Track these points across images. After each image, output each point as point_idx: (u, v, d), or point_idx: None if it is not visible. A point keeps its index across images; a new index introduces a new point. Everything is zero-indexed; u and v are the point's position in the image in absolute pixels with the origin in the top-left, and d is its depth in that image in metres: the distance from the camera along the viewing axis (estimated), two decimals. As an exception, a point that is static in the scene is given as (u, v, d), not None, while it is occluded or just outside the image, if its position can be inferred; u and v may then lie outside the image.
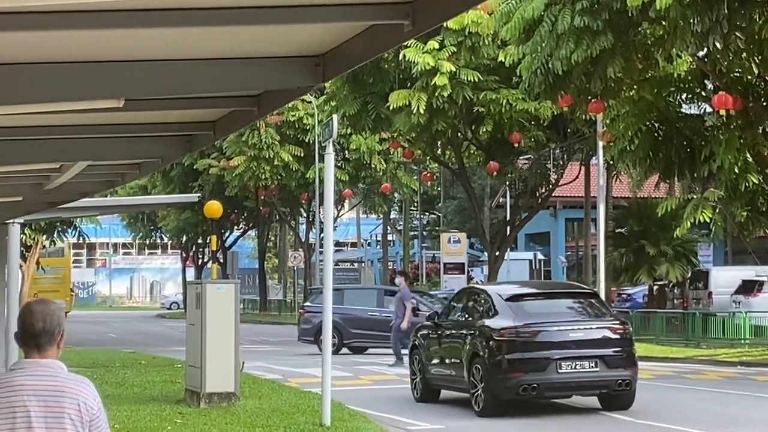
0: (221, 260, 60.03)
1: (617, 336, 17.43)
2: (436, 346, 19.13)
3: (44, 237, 39.58)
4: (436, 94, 32.83)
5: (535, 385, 16.80)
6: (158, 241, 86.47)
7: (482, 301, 18.38)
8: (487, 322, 17.60)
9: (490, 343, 17.12)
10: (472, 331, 17.84)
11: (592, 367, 16.95)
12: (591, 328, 17.39)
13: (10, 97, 6.33)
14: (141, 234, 79.29)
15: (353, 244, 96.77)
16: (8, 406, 4.44)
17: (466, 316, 18.77)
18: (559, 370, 16.85)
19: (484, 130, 36.32)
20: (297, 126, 51.15)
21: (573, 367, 16.90)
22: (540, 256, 59.68)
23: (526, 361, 16.85)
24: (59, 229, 39.77)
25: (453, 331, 18.62)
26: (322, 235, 41.55)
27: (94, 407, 4.50)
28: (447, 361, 18.65)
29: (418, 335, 20.02)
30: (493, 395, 17.04)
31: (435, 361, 19.07)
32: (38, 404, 4.43)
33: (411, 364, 20.07)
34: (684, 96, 28.09)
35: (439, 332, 19.10)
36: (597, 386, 17.30)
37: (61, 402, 4.44)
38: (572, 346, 17.07)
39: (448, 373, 18.62)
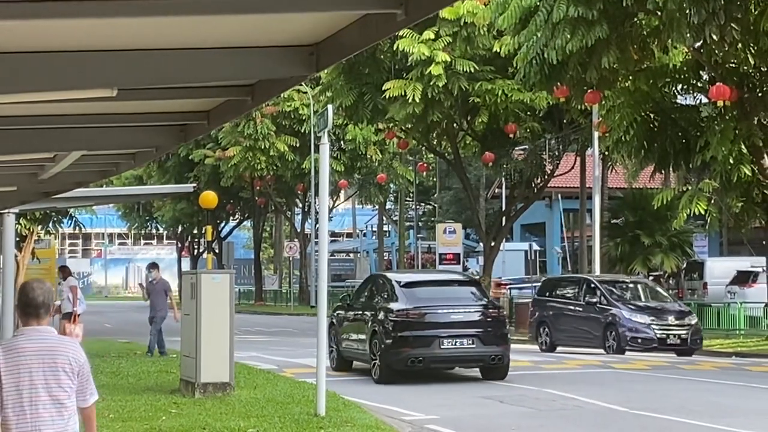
0: (217, 251, 60.12)
1: (491, 318, 20.39)
2: (347, 324, 22.20)
3: (39, 227, 39.41)
4: (431, 83, 32.77)
5: (421, 358, 19.90)
6: (154, 231, 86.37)
7: (384, 286, 21.49)
8: (386, 304, 20.66)
9: (386, 322, 20.18)
10: (374, 312, 20.89)
11: (470, 344, 19.98)
12: (469, 311, 20.31)
13: (3, 87, 6.31)
14: (136, 224, 79.22)
15: (349, 235, 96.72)
16: (14, 365, 5.61)
17: (371, 299, 21.77)
18: (442, 346, 19.91)
19: (480, 120, 36.26)
20: (292, 116, 51.14)
21: (453, 343, 19.94)
22: (535, 247, 59.69)
23: (415, 338, 19.92)
24: (54, 219, 39.60)
25: (360, 312, 21.72)
26: (317, 225, 41.57)
27: (81, 360, 5.83)
28: (354, 337, 21.69)
29: (334, 314, 22.86)
30: (388, 366, 20.14)
31: (345, 336, 22.15)
32: (37, 362, 5.64)
33: (328, 339, 22.28)
34: (679, 87, 28.10)
35: (350, 312, 22.24)
36: (474, 360, 20.40)
37: (55, 359, 5.69)
38: (453, 326, 20.04)
39: (355, 347, 21.68)
